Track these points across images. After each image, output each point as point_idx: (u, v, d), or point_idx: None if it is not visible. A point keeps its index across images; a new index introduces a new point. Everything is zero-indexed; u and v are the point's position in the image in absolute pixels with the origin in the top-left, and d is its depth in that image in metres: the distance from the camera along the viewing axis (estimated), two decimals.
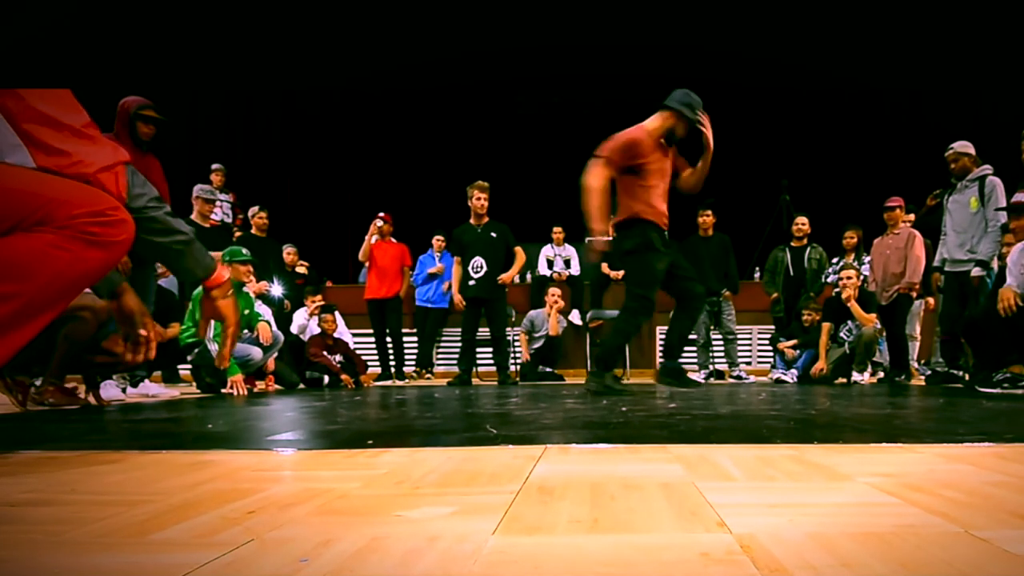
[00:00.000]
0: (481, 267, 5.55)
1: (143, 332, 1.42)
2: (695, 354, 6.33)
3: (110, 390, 3.74)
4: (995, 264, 4.59)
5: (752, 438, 1.63)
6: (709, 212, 6.01)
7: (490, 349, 5.85)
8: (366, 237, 6.28)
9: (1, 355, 1.05)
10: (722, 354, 6.21)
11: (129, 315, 1.41)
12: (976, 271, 4.54)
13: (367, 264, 6.37)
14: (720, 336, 6.08)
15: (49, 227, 1.07)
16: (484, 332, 5.87)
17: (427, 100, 10.63)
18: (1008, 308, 3.77)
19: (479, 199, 5.56)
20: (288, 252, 6.66)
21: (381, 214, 6.25)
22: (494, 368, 5.90)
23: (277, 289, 5.79)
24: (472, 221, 5.66)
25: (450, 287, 6.20)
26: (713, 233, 6.06)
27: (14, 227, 1.06)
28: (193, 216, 5.21)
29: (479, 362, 6.85)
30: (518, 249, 5.68)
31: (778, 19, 8.92)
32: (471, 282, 5.56)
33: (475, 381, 6.30)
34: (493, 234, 5.61)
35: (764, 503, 0.91)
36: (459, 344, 5.83)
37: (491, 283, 5.54)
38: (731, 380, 5.91)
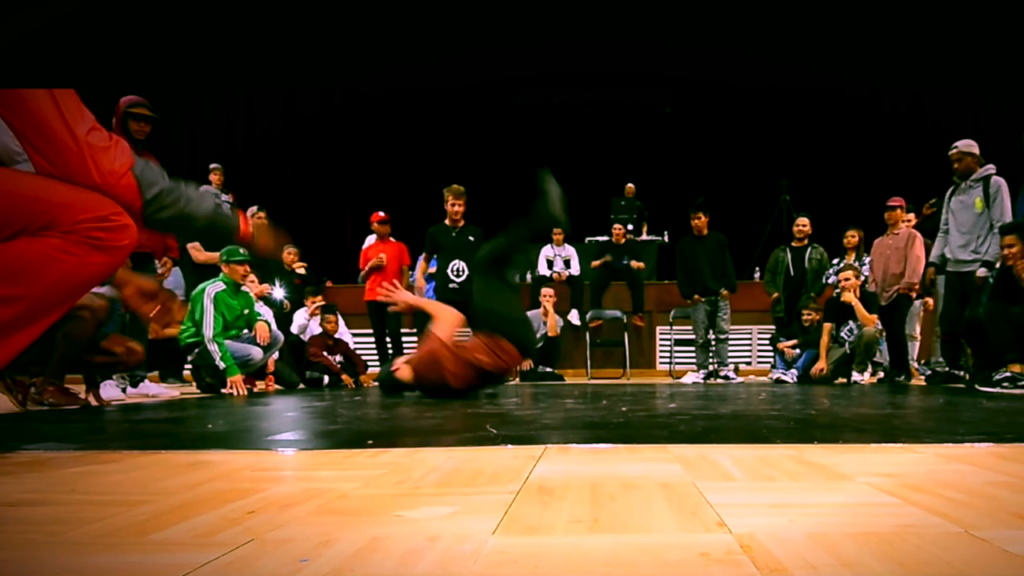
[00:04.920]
0: (462, 271, 5.53)
1: (173, 305, 1.44)
2: (693, 354, 6.33)
3: (110, 390, 3.74)
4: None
5: (752, 438, 1.63)
6: (701, 214, 5.99)
7: None
8: (369, 264, 6.23)
9: (5, 356, 1.06)
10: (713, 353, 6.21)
11: (150, 293, 1.43)
12: (982, 271, 4.53)
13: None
14: (714, 336, 6.08)
15: (55, 232, 1.08)
16: None
17: (427, 100, 10.63)
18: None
19: (454, 205, 5.53)
20: (289, 252, 6.65)
21: (380, 214, 6.24)
22: None
23: (279, 292, 5.78)
24: (447, 223, 5.64)
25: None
26: (708, 233, 6.05)
27: (20, 231, 1.07)
28: None
29: None
30: None
31: (778, 19, 8.92)
32: (452, 285, 5.53)
33: None
34: (471, 237, 5.59)
35: (764, 503, 0.91)
36: None
37: (472, 286, 5.54)
38: (719, 380, 5.90)
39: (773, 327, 6.41)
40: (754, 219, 8.81)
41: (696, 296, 6.00)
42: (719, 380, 5.85)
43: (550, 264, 7.39)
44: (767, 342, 6.62)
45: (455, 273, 5.54)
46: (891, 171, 8.89)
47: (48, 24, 1.24)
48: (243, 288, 4.72)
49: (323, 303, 5.73)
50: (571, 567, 0.64)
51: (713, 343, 6.13)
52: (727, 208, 6.10)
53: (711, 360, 6.13)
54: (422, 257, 5.91)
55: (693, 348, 6.32)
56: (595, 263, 7.27)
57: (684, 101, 10.72)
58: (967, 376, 4.60)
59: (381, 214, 6.25)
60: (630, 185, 8.67)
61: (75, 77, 1.23)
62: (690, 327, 6.89)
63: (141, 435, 1.98)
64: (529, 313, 6.65)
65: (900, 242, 5.31)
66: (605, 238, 7.88)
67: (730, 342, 6.22)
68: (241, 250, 4.71)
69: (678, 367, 6.87)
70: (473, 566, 0.64)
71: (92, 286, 1.18)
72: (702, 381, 5.81)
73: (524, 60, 9.98)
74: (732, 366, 6.07)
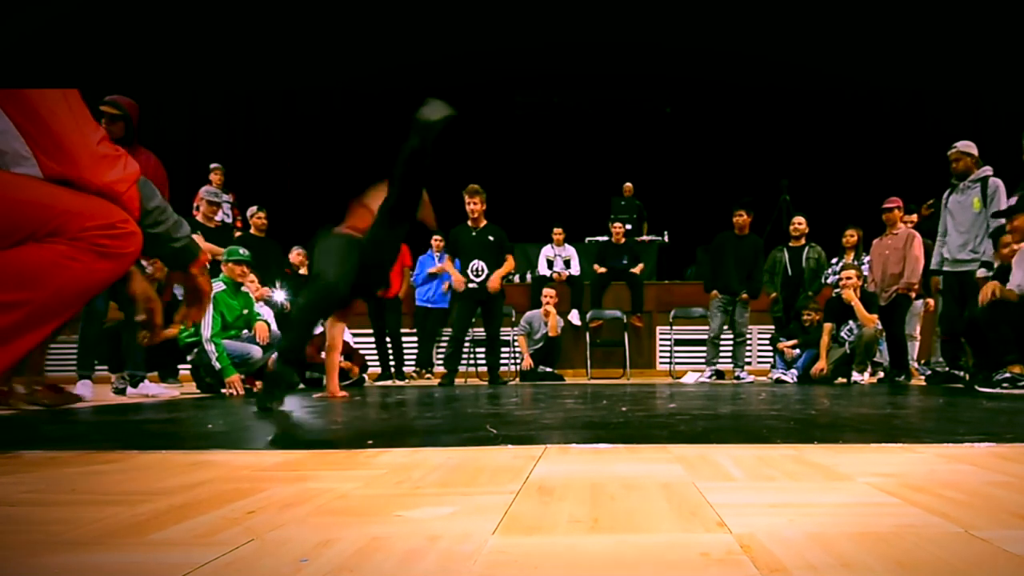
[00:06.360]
0: (482, 270, 5.56)
1: (147, 316, 1.44)
2: (693, 354, 6.31)
3: (82, 389, 3.72)
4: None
5: (752, 438, 1.63)
6: (743, 212, 5.93)
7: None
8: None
9: (7, 361, 1.06)
10: (726, 354, 6.19)
11: (134, 297, 1.44)
12: (982, 272, 4.53)
13: None
14: (730, 337, 6.06)
15: (62, 238, 1.09)
16: (480, 332, 5.87)
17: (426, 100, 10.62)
18: (985, 299, 3.83)
19: (469, 204, 5.58)
20: (297, 253, 6.64)
21: None
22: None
23: (279, 294, 5.78)
24: (469, 223, 5.68)
25: (450, 287, 6.21)
26: (748, 233, 5.99)
27: (28, 237, 1.08)
28: (198, 217, 5.32)
29: (479, 362, 6.85)
30: (508, 255, 5.71)
31: (778, 19, 8.92)
32: (472, 284, 5.57)
33: (475, 381, 6.30)
34: (491, 237, 5.62)
35: (764, 503, 0.91)
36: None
37: None
38: (732, 380, 5.90)
39: (773, 327, 6.41)
40: (754, 219, 8.80)
41: (714, 292, 5.95)
42: (733, 380, 5.82)
43: (550, 264, 7.39)
44: (767, 342, 6.62)
45: (475, 272, 5.58)
46: (891, 171, 8.89)
47: (48, 24, 1.24)
48: (243, 288, 4.72)
49: None
50: (571, 567, 0.64)
51: (724, 344, 6.10)
52: (727, 208, 6.09)
53: (718, 359, 6.10)
54: (446, 256, 5.96)
55: (693, 348, 6.31)
56: (599, 269, 7.27)
57: (684, 101, 10.72)
58: (967, 376, 4.60)
59: None
60: (628, 184, 8.67)
61: (75, 77, 1.23)
62: (689, 327, 6.88)
63: (141, 435, 1.98)
64: (529, 313, 6.66)
65: (899, 242, 5.31)
66: (605, 238, 7.88)
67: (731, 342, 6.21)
68: (241, 250, 4.71)
69: (678, 367, 6.86)
70: (473, 566, 0.64)
71: (96, 293, 1.19)
72: (707, 380, 5.80)
73: (524, 60, 9.98)
74: (745, 368, 6.04)
